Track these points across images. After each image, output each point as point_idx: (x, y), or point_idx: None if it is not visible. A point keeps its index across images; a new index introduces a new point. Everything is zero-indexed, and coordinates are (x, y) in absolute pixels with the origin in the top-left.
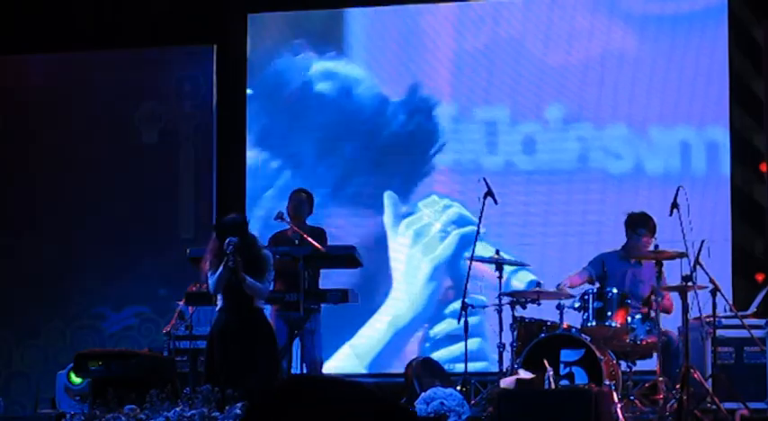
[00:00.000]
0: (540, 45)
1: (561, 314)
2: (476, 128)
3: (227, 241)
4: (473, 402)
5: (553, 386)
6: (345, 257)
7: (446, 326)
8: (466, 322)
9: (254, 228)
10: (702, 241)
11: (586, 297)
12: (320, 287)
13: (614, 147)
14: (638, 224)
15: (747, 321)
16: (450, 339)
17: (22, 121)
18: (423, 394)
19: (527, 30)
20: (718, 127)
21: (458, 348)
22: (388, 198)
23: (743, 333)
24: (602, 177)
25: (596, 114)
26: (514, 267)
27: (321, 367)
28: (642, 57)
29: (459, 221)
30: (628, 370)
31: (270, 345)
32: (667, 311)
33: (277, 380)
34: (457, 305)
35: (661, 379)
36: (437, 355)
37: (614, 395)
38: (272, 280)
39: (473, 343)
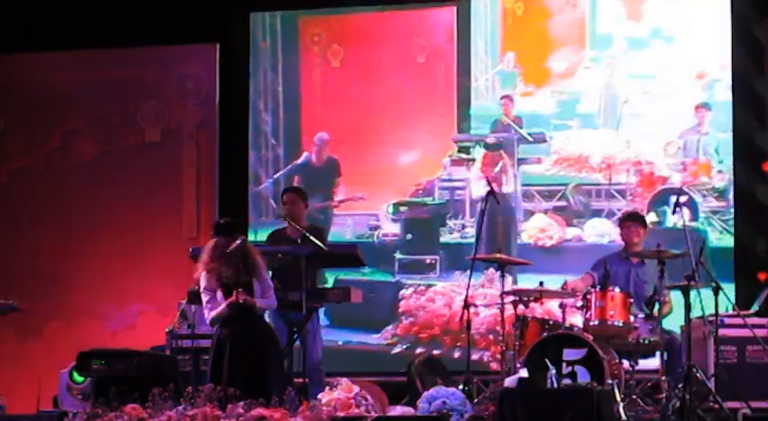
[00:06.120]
0: None
1: (564, 313)
2: None
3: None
4: (475, 401)
5: (555, 385)
6: (348, 256)
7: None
8: (468, 321)
9: (257, 228)
10: (704, 240)
11: (589, 296)
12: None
13: None
14: (630, 218)
15: (750, 320)
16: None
17: (24, 120)
18: (425, 393)
19: None
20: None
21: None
22: None
23: (745, 332)
24: None
25: None
26: None
27: (322, 366)
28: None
29: None
30: (630, 369)
31: (276, 350)
32: None
33: (284, 381)
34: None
35: (664, 378)
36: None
37: (617, 394)
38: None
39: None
